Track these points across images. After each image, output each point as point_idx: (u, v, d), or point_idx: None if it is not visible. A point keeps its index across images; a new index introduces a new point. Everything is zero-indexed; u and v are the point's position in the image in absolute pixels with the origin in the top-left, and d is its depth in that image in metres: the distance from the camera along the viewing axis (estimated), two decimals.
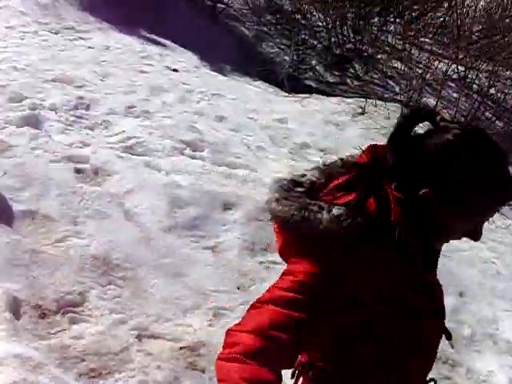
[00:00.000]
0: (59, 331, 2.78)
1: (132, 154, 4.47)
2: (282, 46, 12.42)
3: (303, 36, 12.39)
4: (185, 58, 9.59)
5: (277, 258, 3.72)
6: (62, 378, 2.45)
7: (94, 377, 2.59)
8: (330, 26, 11.84)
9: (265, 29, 13.41)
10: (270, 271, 3.70)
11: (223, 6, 13.18)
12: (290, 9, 13.35)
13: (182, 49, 10.30)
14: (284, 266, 3.64)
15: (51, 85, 5.80)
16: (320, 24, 12.49)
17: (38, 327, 2.76)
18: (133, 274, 3.19)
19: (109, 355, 2.69)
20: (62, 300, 2.91)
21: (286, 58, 11.51)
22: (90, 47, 8.70)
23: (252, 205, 4.12)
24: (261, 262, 3.75)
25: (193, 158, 4.73)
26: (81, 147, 4.36)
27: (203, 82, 7.73)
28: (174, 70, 8.31)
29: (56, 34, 9.32)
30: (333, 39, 11.79)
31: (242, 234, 3.87)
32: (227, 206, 4.06)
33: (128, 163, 4.18)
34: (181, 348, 2.88)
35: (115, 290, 3.06)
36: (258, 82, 9.55)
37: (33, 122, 4.56)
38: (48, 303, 2.87)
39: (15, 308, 2.74)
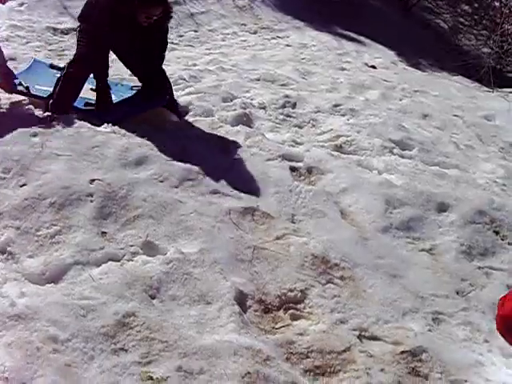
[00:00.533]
0: (283, 326, 2.83)
1: (343, 153, 4.48)
2: (482, 38, 11.82)
3: (505, 26, 11.65)
4: (381, 54, 9.45)
5: (494, 263, 3.56)
6: (291, 373, 2.48)
7: (319, 374, 2.60)
8: None
9: (462, 20, 12.85)
10: (489, 277, 3.52)
11: None
12: None
13: (378, 45, 10.17)
14: (503, 273, 3.44)
15: (258, 84, 5.98)
16: None
17: (263, 321, 2.83)
18: (351, 274, 3.17)
19: (332, 354, 2.69)
20: (285, 296, 2.95)
21: (487, 50, 10.94)
22: (287, 45, 8.88)
23: (468, 207, 3.94)
24: (479, 267, 3.57)
25: (403, 157, 4.64)
26: (293, 146, 4.45)
27: (403, 79, 7.55)
28: (372, 67, 8.23)
29: (254, 33, 9.63)
30: None
31: (458, 236, 3.70)
32: (442, 208, 3.91)
33: (340, 162, 4.19)
34: (402, 352, 2.81)
35: (334, 289, 3.06)
36: (458, 77, 9.16)
37: (245, 120, 4.74)
38: (271, 299, 2.93)
39: (242, 301, 2.83)
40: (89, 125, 3.97)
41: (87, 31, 4.08)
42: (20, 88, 4.31)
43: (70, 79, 4.13)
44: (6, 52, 4.35)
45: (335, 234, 3.40)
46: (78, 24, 4.18)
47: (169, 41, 8.33)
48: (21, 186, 3.27)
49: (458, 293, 3.33)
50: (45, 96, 4.27)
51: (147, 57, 4.27)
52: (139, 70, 4.45)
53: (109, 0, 3.96)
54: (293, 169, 3.97)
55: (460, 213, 3.88)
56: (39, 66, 4.91)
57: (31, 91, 4.34)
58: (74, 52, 4.22)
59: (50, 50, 6.49)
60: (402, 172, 4.29)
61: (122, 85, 4.97)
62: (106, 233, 3.06)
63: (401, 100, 6.32)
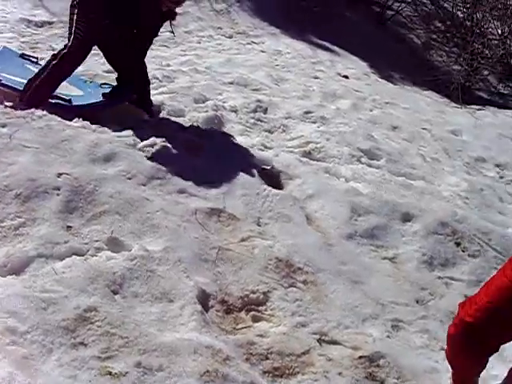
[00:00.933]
0: (244, 327, 2.84)
1: (311, 159, 4.53)
2: (453, 55, 12.01)
3: (475, 45, 11.87)
4: (354, 65, 9.55)
5: (454, 273, 3.63)
6: (249, 374, 2.50)
7: (277, 376, 2.62)
8: (505, 35, 11.23)
9: (434, 36, 13.04)
10: (448, 287, 3.59)
11: (392, 12, 12.98)
12: (461, 16, 12.83)
13: (351, 55, 10.27)
14: (462, 284, 3.50)
15: (231, 87, 6.00)
16: (495, 32, 11.94)
17: (224, 322, 2.84)
18: (314, 279, 3.20)
19: (291, 356, 2.71)
20: (247, 298, 2.96)
21: (457, 67, 11.12)
22: (262, 51, 8.92)
23: (432, 218, 4.00)
24: (439, 277, 3.63)
25: (370, 166, 4.70)
26: (262, 150, 4.48)
27: (374, 90, 7.65)
28: (345, 77, 8.31)
29: (230, 38, 9.67)
30: (508, 49, 11.17)
31: (420, 246, 3.76)
32: (407, 218, 3.97)
33: (308, 168, 4.23)
34: (360, 357, 2.84)
35: (297, 292, 3.08)
36: (428, 92, 9.31)
37: (216, 122, 4.75)
38: (233, 299, 2.94)
39: (204, 301, 2.84)
40: (59, 118, 3.94)
41: (87, 17, 4.07)
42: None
43: (58, 72, 4.12)
44: None
45: (300, 238, 3.43)
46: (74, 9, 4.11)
47: None
48: None
49: (417, 301, 3.38)
50: (20, 88, 4.23)
51: (139, 47, 4.42)
52: (125, 61, 4.46)
53: None
54: (261, 172, 3.99)
55: (423, 223, 3.94)
56: (9, 55, 4.86)
57: (1, 81, 4.31)
58: (67, 43, 4.16)
59: (22, 42, 6.42)
60: (368, 181, 4.35)
61: (91, 82, 4.96)
62: (71, 227, 3.04)
63: (371, 111, 6.40)
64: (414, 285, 3.48)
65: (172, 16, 4.35)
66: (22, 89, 4.20)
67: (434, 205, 4.25)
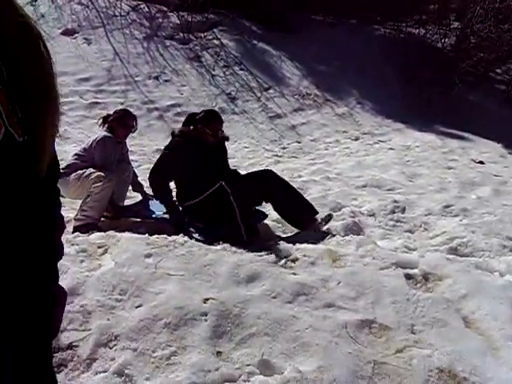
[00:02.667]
0: None
1: (459, 256, 4.30)
2: None
3: None
4: (488, 148, 9.27)
5: None
6: None
7: None
8: None
9: None
10: None
11: None
12: None
13: (483, 139, 10.00)
14: None
15: (364, 190, 5.95)
16: None
17: None
18: None
19: None
20: None
21: None
22: (390, 148, 8.88)
23: None
24: None
25: None
26: (406, 252, 4.32)
27: None
28: (480, 163, 8.05)
29: (356, 140, 9.74)
30: None
31: None
32: None
33: (457, 265, 3.99)
34: None
35: None
36: None
37: (355, 229, 4.68)
38: None
39: None
40: (200, 243, 4.05)
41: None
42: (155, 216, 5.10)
43: None
44: None
45: (460, 344, 3.18)
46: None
47: (272, 153, 8.63)
48: (136, 307, 3.32)
49: None
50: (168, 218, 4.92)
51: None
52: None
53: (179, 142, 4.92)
54: (408, 276, 3.81)
55: None
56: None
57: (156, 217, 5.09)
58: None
59: None
60: None
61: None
62: (221, 352, 3.01)
63: None
64: None
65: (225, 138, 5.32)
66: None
67: None
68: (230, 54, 12.03)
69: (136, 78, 10.49)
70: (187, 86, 10.71)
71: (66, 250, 3.86)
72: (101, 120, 5.49)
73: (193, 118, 5.07)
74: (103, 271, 3.65)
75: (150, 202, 5.57)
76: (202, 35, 12.40)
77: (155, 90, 10.31)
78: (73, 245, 4.06)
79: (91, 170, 4.98)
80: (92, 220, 4.82)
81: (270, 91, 11.24)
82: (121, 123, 5.33)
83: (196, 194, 4.79)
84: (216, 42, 12.31)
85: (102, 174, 4.90)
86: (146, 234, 4.30)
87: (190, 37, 12.23)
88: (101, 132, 5.30)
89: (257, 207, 5.00)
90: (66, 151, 7.17)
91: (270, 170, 4.96)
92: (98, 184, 4.83)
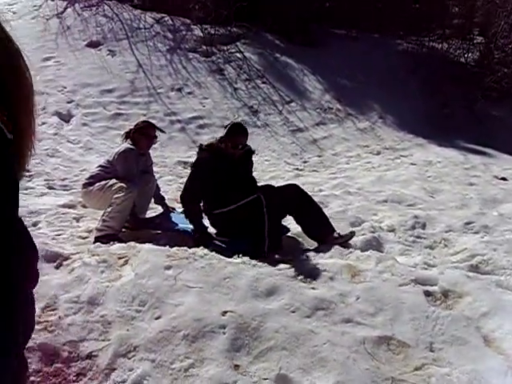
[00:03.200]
0: None
1: (480, 273, 4.27)
2: None
3: None
4: (511, 165, 9.18)
5: None
6: None
7: None
8: None
9: None
10: None
11: None
12: None
13: (505, 155, 9.93)
14: None
15: (385, 206, 5.93)
16: None
17: None
18: None
19: None
20: None
21: None
22: (412, 164, 8.84)
23: None
24: None
25: None
26: (426, 268, 4.30)
27: None
28: (503, 179, 7.98)
29: (377, 154, 9.71)
30: None
31: None
32: None
33: (478, 283, 3.96)
34: None
35: None
36: None
37: (375, 244, 4.67)
38: None
39: None
40: (220, 256, 4.07)
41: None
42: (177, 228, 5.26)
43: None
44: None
45: (480, 363, 3.15)
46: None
47: (293, 167, 8.64)
48: (156, 319, 3.35)
49: None
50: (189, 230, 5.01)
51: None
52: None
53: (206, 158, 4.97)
54: (427, 293, 3.79)
55: None
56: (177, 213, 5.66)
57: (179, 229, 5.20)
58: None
59: (181, 183, 6.85)
60: None
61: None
62: (238, 366, 3.02)
63: None
64: None
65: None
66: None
67: None
68: (253, 67, 12.09)
69: (159, 90, 10.57)
70: (209, 98, 10.77)
71: (87, 260, 3.91)
72: (124, 135, 5.55)
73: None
74: (123, 282, 3.69)
75: (172, 214, 5.63)
76: (225, 48, 12.48)
77: (177, 102, 10.39)
78: (94, 255, 4.10)
79: (114, 180, 5.06)
80: (113, 231, 4.86)
81: (292, 104, 11.27)
82: (142, 134, 5.39)
83: (228, 203, 4.84)
84: (239, 55, 12.38)
85: (125, 185, 4.96)
86: (167, 246, 4.33)
87: (213, 50, 12.31)
88: (123, 144, 5.36)
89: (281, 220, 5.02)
90: (88, 161, 7.27)
91: (295, 184, 5.01)
92: (120, 195, 4.88)
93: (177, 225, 5.32)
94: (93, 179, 5.18)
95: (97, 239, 4.77)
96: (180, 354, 3.06)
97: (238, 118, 10.19)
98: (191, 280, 3.72)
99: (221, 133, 9.14)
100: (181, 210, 5.42)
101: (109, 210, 4.89)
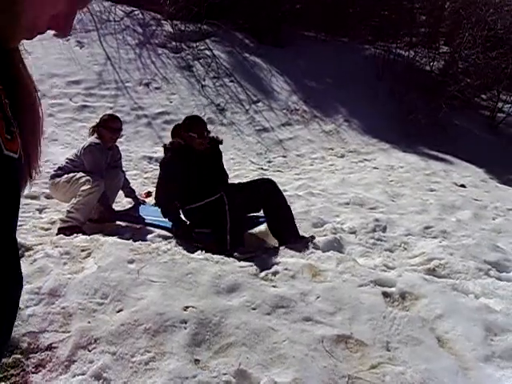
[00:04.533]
0: None
1: (437, 277, 4.38)
2: None
3: None
4: (470, 173, 9.39)
5: None
6: None
7: None
8: None
9: None
10: None
11: (503, 115, 12.81)
12: None
13: (466, 163, 10.13)
14: None
15: (347, 208, 6.02)
16: None
17: None
18: None
19: None
20: None
21: None
22: (375, 168, 8.98)
23: None
24: None
25: (500, 279, 4.48)
26: (385, 270, 4.40)
27: (495, 197, 7.43)
28: (462, 186, 8.16)
29: (341, 157, 9.83)
30: None
31: None
32: None
33: (434, 286, 4.07)
34: None
35: None
36: None
37: (336, 246, 4.75)
38: None
39: None
40: (183, 252, 4.10)
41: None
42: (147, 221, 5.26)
43: None
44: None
45: (433, 363, 3.25)
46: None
47: (258, 166, 8.70)
48: (117, 312, 3.36)
49: None
50: (162, 225, 5.13)
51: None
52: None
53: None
54: (386, 294, 3.88)
55: None
56: (147, 206, 5.79)
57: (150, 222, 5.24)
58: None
59: (145, 178, 6.84)
60: (500, 296, 4.11)
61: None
62: (198, 360, 3.06)
63: (494, 219, 6.19)
64: None
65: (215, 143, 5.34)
66: (164, 225, 5.11)
67: None
68: (221, 65, 12.11)
69: (126, 84, 10.52)
70: (177, 94, 10.76)
71: (50, 251, 3.90)
72: (91, 129, 5.54)
73: (178, 129, 5.15)
74: (86, 274, 3.69)
75: (141, 207, 5.64)
76: (195, 45, 12.47)
77: (145, 97, 10.36)
78: (57, 247, 4.08)
79: (81, 174, 5.04)
80: (78, 223, 4.86)
81: (259, 104, 11.32)
82: (106, 127, 5.38)
83: (196, 200, 4.90)
84: (208, 52, 12.39)
85: (91, 178, 4.95)
86: (130, 240, 4.34)
87: (183, 46, 12.29)
88: (89, 138, 5.35)
89: (254, 214, 5.06)
90: (53, 153, 7.20)
91: (272, 181, 5.08)
92: (87, 187, 4.88)
93: (146, 218, 5.39)
94: (61, 171, 5.17)
95: (60, 230, 4.76)
96: (141, 348, 3.08)
97: (205, 116, 10.21)
98: (154, 274, 3.74)
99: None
100: (152, 203, 5.45)
101: (74, 201, 4.88)
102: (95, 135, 5.36)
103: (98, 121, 5.59)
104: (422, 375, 3.13)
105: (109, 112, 7.40)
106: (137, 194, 6.02)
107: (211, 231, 4.87)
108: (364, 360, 3.24)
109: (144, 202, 5.81)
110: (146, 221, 5.29)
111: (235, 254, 4.43)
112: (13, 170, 0.92)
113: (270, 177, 6.84)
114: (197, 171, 4.91)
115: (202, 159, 4.99)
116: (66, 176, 5.07)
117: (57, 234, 4.66)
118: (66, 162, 5.26)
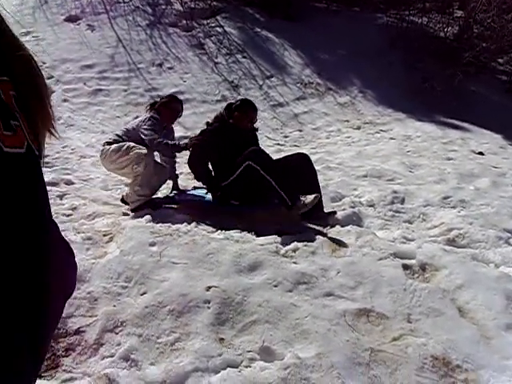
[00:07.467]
0: None
1: (456, 247, 4.39)
2: None
3: None
4: (488, 140, 9.30)
5: None
6: None
7: None
8: None
9: None
10: None
11: None
12: None
13: (483, 130, 10.02)
14: None
15: (365, 181, 6.02)
16: None
17: None
18: (475, 377, 3.01)
19: None
20: None
21: None
22: (391, 138, 8.92)
23: None
24: None
25: None
26: (404, 242, 4.41)
27: None
28: (480, 154, 8.10)
29: (357, 129, 9.78)
30: None
31: None
32: None
33: (454, 257, 4.08)
34: None
35: None
36: None
37: (355, 219, 4.77)
38: None
39: None
40: (203, 232, 4.14)
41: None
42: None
43: None
44: None
45: (455, 333, 3.28)
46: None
47: (275, 142, 8.69)
48: (141, 295, 3.42)
49: None
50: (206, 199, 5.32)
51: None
52: None
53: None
54: (406, 267, 3.91)
55: None
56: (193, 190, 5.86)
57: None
58: None
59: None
60: None
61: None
62: (223, 339, 3.11)
63: None
64: None
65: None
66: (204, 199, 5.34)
67: None
68: (233, 41, 12.05)
69: (139, 65, 10.53)
70: (190, 73, 10.75)
71: (72, 237, 3.96)
72: (148, 106, 5.61)
73: (231, 106, 5.34)
74: (109, 259, 3.75)
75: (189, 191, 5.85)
76: (205, 22, 12.41)
77: (158, 78, 10.36)
78: (79, 233, 4.15)
79: (132, 144, 5.04)
80: (147, 197, 5.07)
81: (273, 79, 11.27)
82: (167, 107, 5.48)
83: (228, 175, 4.94)
84: (219, 29, 12.33)
85: (142, 151, 4.93)
86: (151, 223, 4.40)
87: (193, 24, 12.25)
88: (147, 114, 5.37)
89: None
90: (70, 138, 7.26)
91: (305, 154, 5.24)
92: (140, 168, 4.90)
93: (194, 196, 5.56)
94: (115, 139, 5.16)
95: (133, 211, 5.02)
96: (166, 329, 3.14)
97: (219, 93, 10.20)
98: (175, 256, 3.80)
99: (202, 108, 9.14)
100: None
101: (135, 181, 5.00)
102: (153, 112, 5.39)
103: (156, 100, 5.73)
104: (443, 346, 3.17)
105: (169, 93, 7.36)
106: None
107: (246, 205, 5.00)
108: (386, 333, 3.27)
109: (183, 191, 5.88)
110: (193, 199, 5.48)
111: (296, 206, 4.57)
112: (18, 165, 0.90)
113: (287, 152, 6.85)
114: (234, 149, 4.96)
115: (241, 140, 5.10)
116: (116, 145, 5.09)
117: (132, 212, 5.04)
118: (122, 132, 5.28)
